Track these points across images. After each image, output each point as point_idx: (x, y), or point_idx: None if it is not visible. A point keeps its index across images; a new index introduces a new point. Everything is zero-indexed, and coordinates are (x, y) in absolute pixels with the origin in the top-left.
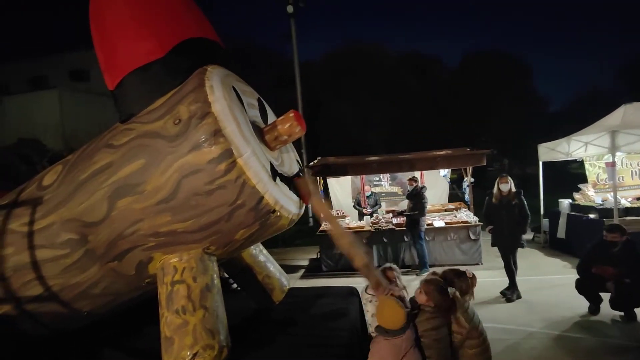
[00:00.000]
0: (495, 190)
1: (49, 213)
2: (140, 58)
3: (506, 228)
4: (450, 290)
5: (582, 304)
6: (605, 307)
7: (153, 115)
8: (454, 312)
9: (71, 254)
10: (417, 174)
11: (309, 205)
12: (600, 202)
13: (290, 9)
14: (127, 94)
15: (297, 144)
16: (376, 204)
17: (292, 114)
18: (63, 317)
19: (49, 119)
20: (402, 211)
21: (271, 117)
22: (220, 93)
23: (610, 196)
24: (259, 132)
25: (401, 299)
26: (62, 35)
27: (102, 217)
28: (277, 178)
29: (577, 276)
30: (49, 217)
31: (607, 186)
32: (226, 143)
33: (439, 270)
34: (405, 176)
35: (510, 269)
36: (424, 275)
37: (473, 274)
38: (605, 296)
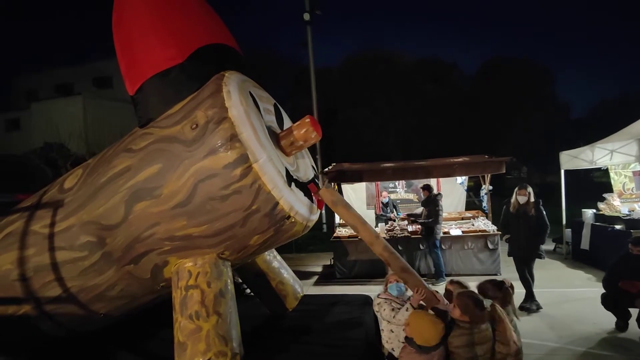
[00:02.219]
0: (513, 199)
1: (69, 215)
2: (159, 64)
3: (523, 238)
4: (487, 302)
5: (608, 320)
6: (634, 323)
7: (171, 120)
8: (498, 327)
9: (89, 257)
10: (433, 181)
11: (323, 211)
12: (627, 213)
13: (306, 16)
14: (146, 98)
15: (312, 150)
16: (395, 208)
17: (308, 120)
18: (80, 318)
19: (73, 124)
20: (417, 218)
21: (287, 122)
22: (237, 98)
23: (637, 206)
24: (275, 138)
25: (441, 313)
26: (88, 45)
27: (119, 221)
28: (293, 184)
29: (602, 290)
30: (69, 219)
31: (634, 196)
32: (242, 148)
33: (457, 279)
34: (421, 183)
35: (526, 280)
36: (441, 285)
37: (511, 283)
38: (634, 312)
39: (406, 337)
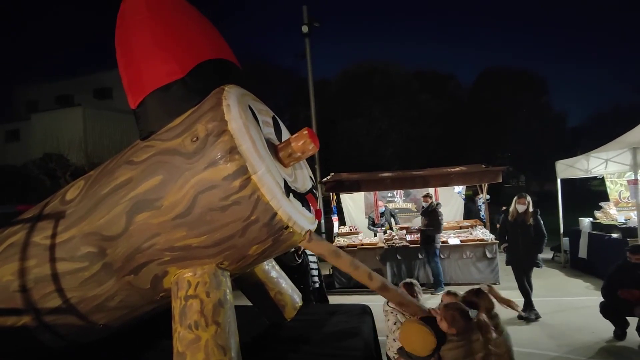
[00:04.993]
0: (512, 208)
1: (71, 227)
2: (161, 79)
3: (522, 247)
4: (472, 312)
5: (607, 328)
6: (633, 332)
7: (172, 133)
8: (485, 336)
9: (90, 267)
10: (431, 190)
11: (322, 221)
12: (624, 221)
13: (305, 29)
14: (148, 112)
15: (311, 160)
16: (392, 216)
17: (305, 132)
18: (79, 329)
19: (73, 135)
20: (419, 228)
21: (285, 134)
22: (236, 112)
23: (633, 215)
24: (274, 149)
25: (430, 320)
26: (88, 56)
27: (120, 231)
28: (291, 194)
29: (601, 298)
30: (71, 230)
31: (630, 204)
32: (241, 160)
33: (453, 289)
34: (419, 192)
35: (525, 289)
36: (439, 294)
37: (489, 286)
38: (633, 320)
39: (399, 349)
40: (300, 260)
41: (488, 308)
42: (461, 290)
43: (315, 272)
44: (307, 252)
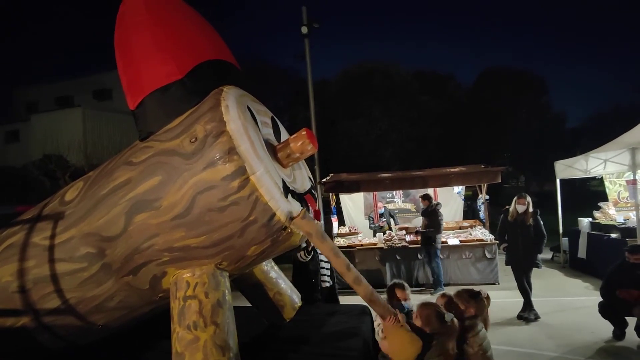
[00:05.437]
0: (512, 208)
1: (70, 227)
2: (160, 80)
3: (521, 248)
4: (448, 316)
5: (606, 328)
6: (632, 332)
7: (171, 134)
8: (462, 337)
9: (89, 268)
10: (430, 190)
11: (321, 222)
12: (622, 221)
13: (304, 29)
14: (147, 113)
15: (311, 160)
16: (391, 217)
17: (304, 132)
18: (78, 329)
19: (72, 136)
20: (419, 229)
21: (284, 135)
22: (235, 112)
23: (632, 215)
24: (272, 150)
25: (420, 331)
26: (88, 57)
27: (119, 232)
28: (289, 195)
29: (600, 298)
30: (70, 231)
31: (629, 204)
32: (240, 161)
33: (452, 289)
34: (418, 193)
35: (525, 289)
36: (438, 295)
37: (487, 295)
38: (632, 320)
39: (380, 354)
40: (309, 257)
41: (479, 312)
42: (448, 293)
43: (326, 272)
44: (319, 250)
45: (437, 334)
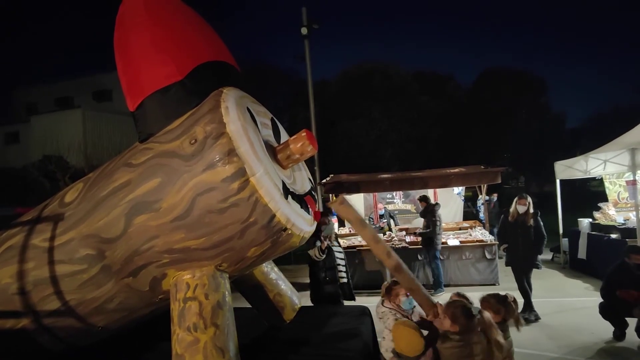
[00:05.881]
0: (512, 208)
1: (70, 229)
2: (159, 81)
3: (521, 248)
4: (475, 309)
5: (606, 329)
6: (632, 332)
7: (170, 135)
8: (488, 335)
9: (88, 270)
10: (430, 191)
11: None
12: (622, 222)
13: (304, 30)
14: (146, 115)
15: (311, 161)
16: (391, 217)
17: (304, 134)
18: (78, 331)
19: (72, 137)
20: (418, 231)
21: (284, 136)
22: (235, 114)
23: (632, 215)
24: (272, 151)
25: (427, 324)
26: (88, 58)
27: (119, 234)
28: (289, 196)
29: (600, 299)
30: (69, 232)
31: (629, 205)
32: (240, 162)
33: (455, 290)
34: (418, 194)
35: (525, 290)
36: (439, 295)
37: (514, 298)
38: (632, 321)
39: (393, 350)
40: (324, 256)
41: (508, 316)
42: (462, 292)
43: (342, 268)
44: (334, 247)
45: (467, 332)
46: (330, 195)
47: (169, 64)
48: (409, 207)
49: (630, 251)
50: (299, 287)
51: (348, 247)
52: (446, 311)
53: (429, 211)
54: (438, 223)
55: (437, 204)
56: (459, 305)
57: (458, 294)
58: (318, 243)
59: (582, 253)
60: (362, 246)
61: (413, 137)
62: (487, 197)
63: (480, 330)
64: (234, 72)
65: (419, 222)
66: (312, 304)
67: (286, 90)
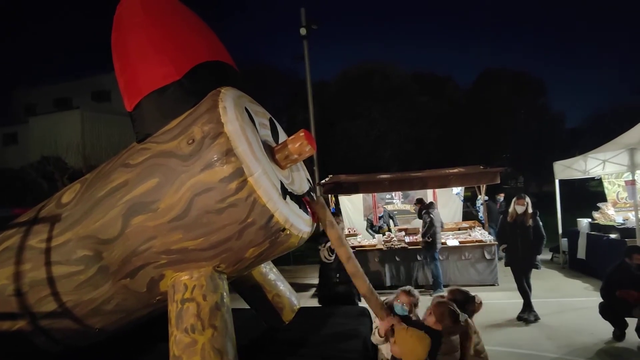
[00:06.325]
0: (511, 209)
1: (67, 230)
2: (157, 81)
3: (520, 249)
4: (462, 316)
5: (606, 329)
6: (632, 333)
7: (168, 136)
8: (467, 339)
9: (85, 271)
10: (429, 192)
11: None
12: (622, 222)
13: (303, 31)
14: (144, 115)
15: (310, 162)
16: (391, 218)
17: (302, 134)
18: (75, 333)
19: (71, 138)
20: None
21: (282, 136)
22: (232, 114)
23: (631, 215)
24: (270, 151)
25: (428, 329)
26: (86, 59)
27: (116, 234)
28: (288, 196)
29: (600, 299)
30: (66, 233)
31: (628, 205)
32: (237, 162)
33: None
34: (417, 194)
35: (524, 290)
36: (436, 296)
37: (480, 301)
38: (632, 321)
39: (392, 358)
40: (334, 256)
41: (469, 314)
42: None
43: None
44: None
45: (450, 333)
46: (329, 195)
47: (166, 64)
48: (408, 207)
49: (631, 251)
50: (298, 287)
51: None
52: (434, 309)
53: (423, 210)
54: (434, 223)
55: (431, 202)
56: (448, 307)
57: (459, 291)
58: (328, 244)
59: (581, 253)
60: (362, 246)
61: (412, 137)
62: (486, 198)
63: (457, 336)
64: (232, 72)
65: (418, 223)
66: (318, 304)
67: (285, 91)
